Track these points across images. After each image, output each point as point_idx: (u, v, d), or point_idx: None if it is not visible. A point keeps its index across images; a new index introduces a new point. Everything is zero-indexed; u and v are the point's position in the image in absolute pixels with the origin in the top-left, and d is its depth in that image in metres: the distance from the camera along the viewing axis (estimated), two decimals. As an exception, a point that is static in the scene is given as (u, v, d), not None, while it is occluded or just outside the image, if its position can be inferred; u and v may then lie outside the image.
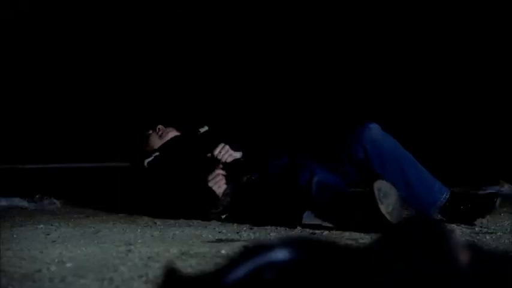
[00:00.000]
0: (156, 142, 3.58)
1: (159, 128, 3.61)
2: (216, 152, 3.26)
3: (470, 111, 5.34)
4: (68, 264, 2.07)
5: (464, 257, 1.05)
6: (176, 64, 5.45)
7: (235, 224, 3.12)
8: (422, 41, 5.39)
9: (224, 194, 3.21)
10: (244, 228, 2.99)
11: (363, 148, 3.09)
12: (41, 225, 3.18)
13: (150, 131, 3.63)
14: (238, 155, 3.31)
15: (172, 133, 3.62)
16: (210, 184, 3.22)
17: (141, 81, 5.38)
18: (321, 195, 2.96)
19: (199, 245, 2.51)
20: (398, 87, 5.43)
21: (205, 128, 3.64)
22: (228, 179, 3.25)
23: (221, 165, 3.28)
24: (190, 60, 5.46)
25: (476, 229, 2.87)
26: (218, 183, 3.22)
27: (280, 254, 1.06)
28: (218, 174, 3.23)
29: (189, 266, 2.03)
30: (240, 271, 1.05)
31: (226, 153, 3.27)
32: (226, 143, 3.35)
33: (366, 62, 5.46)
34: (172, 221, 3.25)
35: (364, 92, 5.44)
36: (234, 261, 1.07)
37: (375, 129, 3.12)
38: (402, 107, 5.39)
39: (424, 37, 5.39)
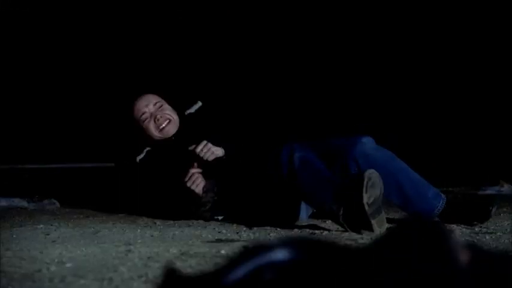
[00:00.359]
0: (153, 132, 3.45)
1: (157, 118, 3.43)
2: (198, 150, 3.26)
3: (470, 112, 5.34)
4: (68, 265, 2.07)
5: (464, 257, 1.05)
6: (176, 64, 5.44)
7: (235, 224, 3.12)
8: (422, 40, 5.39)
9: (204, 190, 3.21)
10: (244, 229, 2.99)
11: (356, 162, 3.09)
12: (41, 226, 3.18)
13: (147, 115, 3.44)
14: (220, 152, 3.30)
15: (172, 128, 3.47)
16: (187, 184, 3.23)
17: (141, 80, 5.37)
18: (304, 172, 2.95)
19: (199, 245, 2.51)
20: (399, 87, 5.43)
21: (199, 104, 3.60)
22: (207, 174, 3.25)
23: (196, 163, 3.28)
24: (190, 59, 5.46)
25: (476, 229, 2.87)
26: (195, 182, 3.23)
27: (280, 254, 1.07)
28: (193, 173, 3.24)
29: (188, 266, 2.03)
30: (240, 271, 1.05)
31: (208, 151, 3.27)
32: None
33: (366, 62, 5.46)
34: (171, 221, 3.25)
35: (364, 92, 5.44)
36: (233, 262, 1.07)
37: (367, 144, 3.11)
38: (403, 107, 5.39)
39: (425, 37, 5.39)
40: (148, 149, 3.46)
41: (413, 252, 1.04)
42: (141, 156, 3.44)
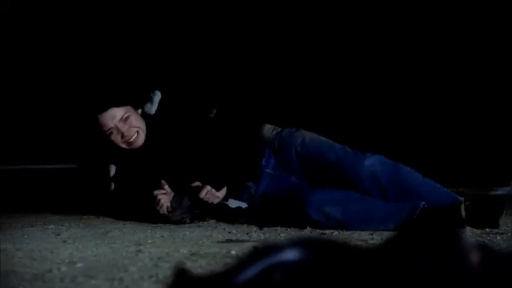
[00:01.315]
0: (120, 145, 3.29)
1: (125, 135, 3.24)
2: (202, 195, 3.17)
3: (482, 111, 5.32)
4: (79, 265, 2.08)
5: (474, 257, 1.04)
6: (176, 64, 5.43)
7: (245, 225, 3.13)
8: (422, 40, 5.36)
9: (170, 211, 3.17)
10: (254, 229, 2.99)
11: (360, 180, 3.12)
12: (52, 226, 3.19)
13: (113, 130, 3.24)
14: (222, 193, 3.23)
15: (140, 139, 3.30)
16: (154, 206, 3.19)
17: (141, 80, 5.36)
18: (352, 220, 2.98)
19: (209, 245, 2.52)
20: (408, 87, 5.41)
21: (159, 96, 3.44)
22: (173, 189, 3.21)
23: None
24: (190, 62, 5.45)
25: (487, 229, 2.86)
26: (158, 205, 3.17)
27: (290, 255, 1.06)
28: (156, 195, 3.18)
29: (199, 267, 2.03)
30: (250, 271, 1.05)
31: (211, 196, 3.19)
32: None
33: (366, 62, 5.43)
34: (182, 221, 3.25)
35: (364, 91, 5.41)
36: (243, 262, 1.07)
37: (370, 167, 3.13)
38: (414, 107, 5.37)
39: (425, 37, 5.36)
40: (117, 161, 3.36)
41: (423, 253, 1.04)
42: (113, 172, 3.37)
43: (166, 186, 3.19)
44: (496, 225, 2.90)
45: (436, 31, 5.30)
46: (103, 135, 3.25)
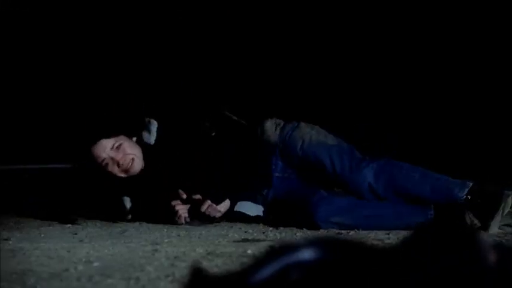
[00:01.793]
0: (119, 175, 3.25)
1: (121, 163, 3.20)
2: (203, 209, 3.15)
3: (482, 111, 5.27)
4: (95, 264, 2.08)
5: (492, 257, 1.04)
6: (177, 65, 5.44)
7: (261, 224, 3.13)
8: (429, 37, 5.32)
9: (188, 222, 3.16)
10: (270, 228, 2.99)
11: (361, 191, 3.15)
12: (68, 225, 3.21)
13: (107, 161, 3.20)
14: (224, 206, 3.19)
15: (137, 165, 3.26)
16: (175, 220, 3.17)
17: (142, 80, 5.35)
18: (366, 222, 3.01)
19: (225, 244, 2.52)
20: (408, 86, 5.37)
21: (155, 125, 3.38)
22: (188, 200, 3.19)
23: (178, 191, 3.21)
24: (190, 62, 5.45)
25: (506, 229, 2.85)
26: (177, 216, 3.16)
27: (306, 254, 1.06)
28: (173, 207, 3.16)
29: (215, 266, 2.03)
30: (266, 271, 1.05)
31: (213, 210, 3.16)
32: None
33: (366, 62, 5.40)
34: (198, 221, 3.25)
35: (371, 91, 5.39)
36: (260, 261, 1.07)
37: (364, 181, 3.15)
38: (414, 107, 5.33)
39: (432, 34, 5.32)
40: (128, 192, 3.33)
41: (440, 252, 1.03)
42: (128, 204, 3.31)
43: (183, 196, 3.19)
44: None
45: (436, 31, 5.27)
46: (101, 169, 3.21)
